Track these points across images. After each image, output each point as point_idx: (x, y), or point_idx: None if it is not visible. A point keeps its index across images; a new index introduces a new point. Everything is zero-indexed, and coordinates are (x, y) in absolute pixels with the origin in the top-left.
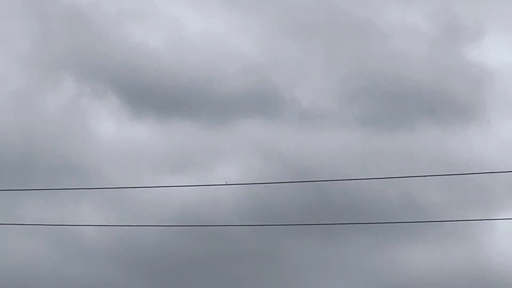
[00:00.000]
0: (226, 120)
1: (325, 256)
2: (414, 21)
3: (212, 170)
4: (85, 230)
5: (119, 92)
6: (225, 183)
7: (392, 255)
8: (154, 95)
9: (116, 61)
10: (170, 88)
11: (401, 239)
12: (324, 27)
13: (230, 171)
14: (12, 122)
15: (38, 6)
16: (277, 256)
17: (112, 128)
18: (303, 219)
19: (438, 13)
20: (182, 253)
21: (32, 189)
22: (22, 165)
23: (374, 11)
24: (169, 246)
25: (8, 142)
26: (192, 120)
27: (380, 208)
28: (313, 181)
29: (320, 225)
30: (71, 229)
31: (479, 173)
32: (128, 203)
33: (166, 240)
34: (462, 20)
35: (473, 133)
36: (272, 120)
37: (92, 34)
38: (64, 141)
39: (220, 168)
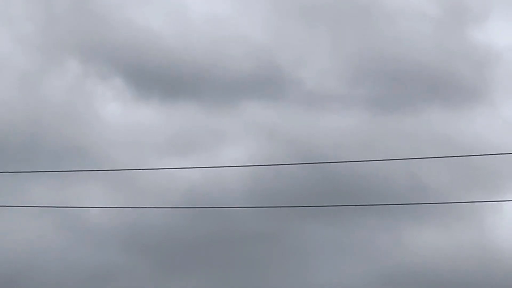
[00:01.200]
0: (232, 102)
1: (331, 238)
2: (419, 3)
3: (218, 152)
4: (90, 212)
5: (124, 75)
6: (228, 166)
7: (398, 237)
8: (159, 77)
9: (121, 44)
10: (175, 70)
11: (408, 221)
12: (329, 9)
13: (236, 153)
14: (17, 105)
15: None
16: (283, 238)
17: (117, 110)
18: (309, 201)
19: None
20: (188, 235)
21: (37, 171)
22: (27, 147)
23: None
24: (175, 228)
25: (12, 124)
26: (198, 102)
27: (386, 190)
28: (319, 163)
29: (326, 207)
30: (77, 211)
31: (485, 154)
32: (133, 185)
33: (171, 222)
34: (467, 1)
35: (479, 115)
36: (277, 102)
37: (97, 16)
38: (69, 123)
39: (226, 150)
